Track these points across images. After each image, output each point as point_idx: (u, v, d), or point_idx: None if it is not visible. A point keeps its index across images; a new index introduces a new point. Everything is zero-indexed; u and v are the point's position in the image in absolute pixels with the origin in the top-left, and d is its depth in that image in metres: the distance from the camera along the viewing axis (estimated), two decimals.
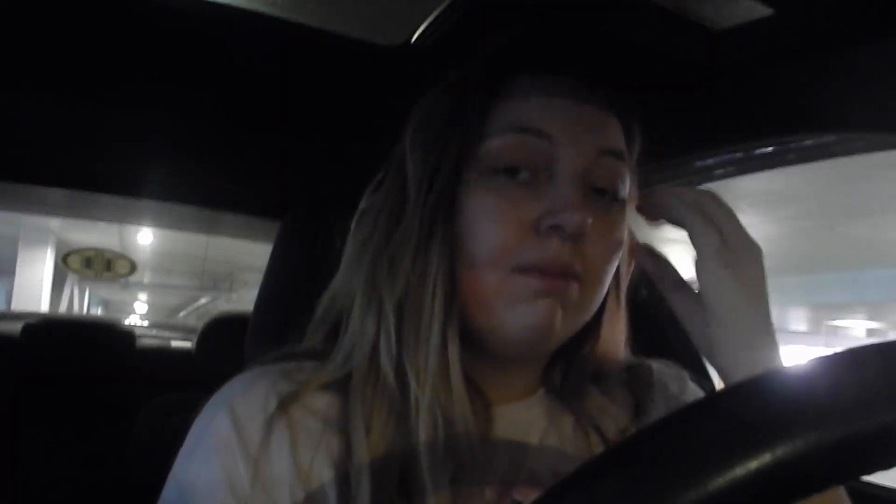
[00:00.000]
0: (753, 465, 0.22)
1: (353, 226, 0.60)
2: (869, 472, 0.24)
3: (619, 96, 0.59)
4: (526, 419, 0.58)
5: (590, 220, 0.50)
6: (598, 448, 0.60)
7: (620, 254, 0.56)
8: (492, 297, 0.52)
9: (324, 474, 0.49)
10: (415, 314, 0.52)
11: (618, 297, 0.62)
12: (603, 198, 0.55)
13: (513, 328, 0.52)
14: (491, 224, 0.52)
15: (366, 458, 0.49)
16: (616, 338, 0.63)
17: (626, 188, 0.56)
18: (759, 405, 0.24)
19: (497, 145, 0.53)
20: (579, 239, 0.51)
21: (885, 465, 0.23)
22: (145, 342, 2.63)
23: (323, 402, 0.53)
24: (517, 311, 0.52)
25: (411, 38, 0.82)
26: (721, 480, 0.22)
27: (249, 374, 0.54)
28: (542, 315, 0.51)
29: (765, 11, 0.62)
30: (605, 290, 0.56)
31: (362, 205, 0.60)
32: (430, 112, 0.57)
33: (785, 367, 0.25)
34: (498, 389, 0.58)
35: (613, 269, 0.56)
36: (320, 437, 0.51)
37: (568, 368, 0.62)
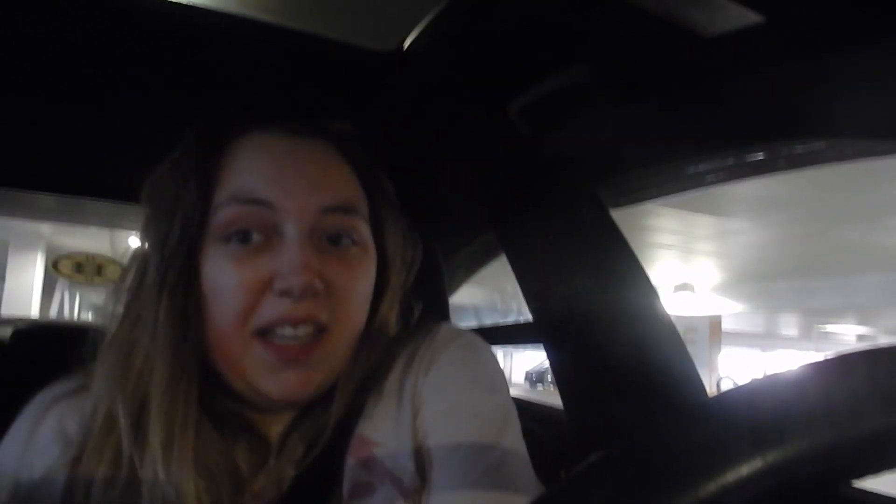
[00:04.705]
0: (744, 470, 0.22)
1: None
2: (860, 477, 0.24)
3: (350, 146, 0.62)
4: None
5: (316, 281, 0.54)
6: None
7: (368, 288, 0.60)
8: (241, 364, 0.55)
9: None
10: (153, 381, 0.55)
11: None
12: (340, 245, 0.58)
13: (273, 393, 0.55)
14: (231, 286, 0.55)
15: None
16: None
17: (363, 231, 0.60)
18: (751, 411, 0.24)
19: (226, 216, 0.56)
20: (315, 294, 0.54)
21: (876, 470, 0.23)
22: None
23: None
24: (270, 380, 0.55)
25: (403, 43, 0.82)
26: (713, 486, 0.22)
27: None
28: (294, 385, 0.55)
29: (756, 18, 0.62)
30: (359, 325, 0.60)
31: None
32: (161, 184, 0.60)
33: (776, 373, 0.25)
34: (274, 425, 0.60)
35: (364, 304, 0.60)
36: None
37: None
